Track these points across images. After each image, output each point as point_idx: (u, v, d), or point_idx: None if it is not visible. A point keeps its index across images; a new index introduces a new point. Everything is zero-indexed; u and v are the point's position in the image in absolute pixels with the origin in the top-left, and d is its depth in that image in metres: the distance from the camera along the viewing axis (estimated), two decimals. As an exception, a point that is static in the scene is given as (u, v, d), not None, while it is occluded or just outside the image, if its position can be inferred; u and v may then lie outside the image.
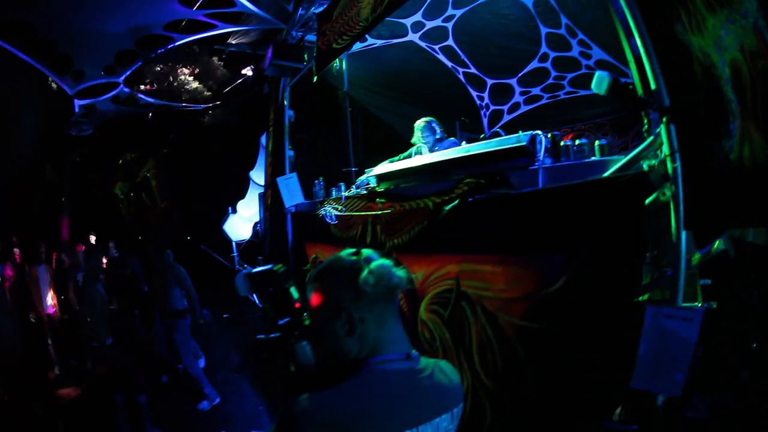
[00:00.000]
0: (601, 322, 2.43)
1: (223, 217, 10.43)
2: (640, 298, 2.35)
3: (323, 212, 4.64)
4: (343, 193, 4.62)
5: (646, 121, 2.51)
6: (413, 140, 5.06)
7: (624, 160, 2.50)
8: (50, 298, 7.67)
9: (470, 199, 3.08)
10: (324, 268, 1.51)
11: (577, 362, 2.54)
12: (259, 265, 2.01)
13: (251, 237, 9.78)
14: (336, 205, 4.51)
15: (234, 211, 10.07)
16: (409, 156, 4.92)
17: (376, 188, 4.11)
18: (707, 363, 2.97)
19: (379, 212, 3.84)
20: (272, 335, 1.68)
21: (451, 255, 3.25)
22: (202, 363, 6.90)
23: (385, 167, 4.07)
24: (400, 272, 1.44)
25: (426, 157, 3.83)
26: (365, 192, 4.21)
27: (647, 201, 2.30)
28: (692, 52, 2.14)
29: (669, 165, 2.24)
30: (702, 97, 2.12)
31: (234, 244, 10.57)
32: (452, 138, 5.22)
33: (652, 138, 2.38)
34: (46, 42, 6.18)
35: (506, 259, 2.91)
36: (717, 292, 2.30)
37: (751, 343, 3.11)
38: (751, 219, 2.17)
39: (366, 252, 1.48)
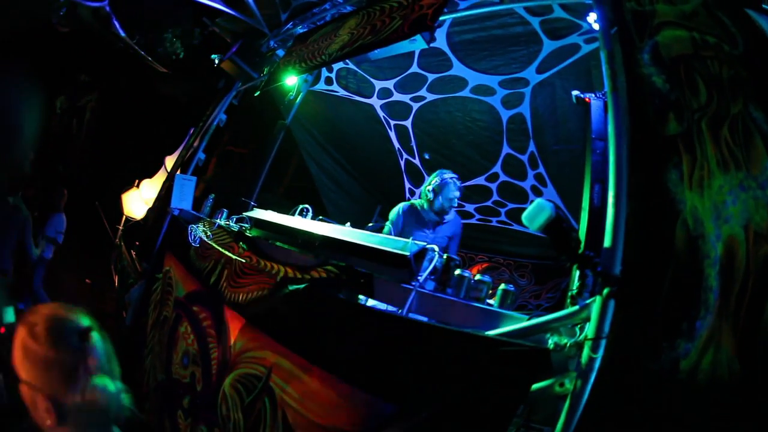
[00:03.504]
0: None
1: (127, 186, 9.68)
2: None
3: (191, 230, 4.06)
4: (218, 220, 4.07)
5: (578, 283, 1.86)
6: (423, 190, 4.36)
7: (526, 323, 1.93)
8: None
9: (320, 289, 2.59)
10: (45, 326, 1.24)
11: None
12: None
13: (141, 219, 9.07)
14: (206, 229, 3.94)
15: (138, 186, 9.36)
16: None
17: (247, 231, 3.58)
18: None
19: (235, 257, 3.30)
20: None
21: (273, 340, 2.72)
22: None
23: (265, 214, 3.57)
24: (122, 397, 1.26)
25: (305, 223, 3.35)
26: (235, 230, 3.67)
27: (535, 386, 1.68)
28: (680, 213, 1.64)
29: (586, 352, 1.62)
30: (672, 276, 1.59)
31: (124, 217, 9.75)
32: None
33: (576, 308, 1.77)
34: None
35: (327, 377, 2.38)
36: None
37: None
38: None
39: (93, 342, 1.26)
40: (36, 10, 8.39)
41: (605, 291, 1.67)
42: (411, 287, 2.49)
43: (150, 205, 8.55)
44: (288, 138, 6.39)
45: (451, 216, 4.29)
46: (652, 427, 1.51)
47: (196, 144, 6.02)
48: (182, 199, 5.42)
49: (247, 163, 7.64)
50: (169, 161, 8.65)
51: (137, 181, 9.65)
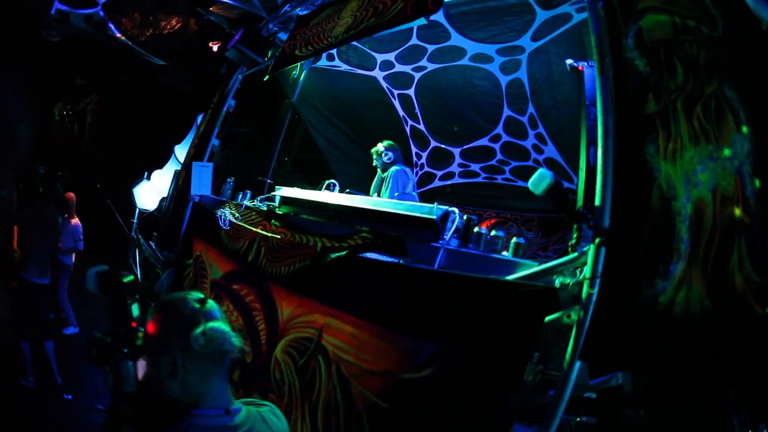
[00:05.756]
0: (459, 425, 2.21)
1: (137, 180, 9.82)
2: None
3: (220, 213, 4.31)
4: (245, 202, 4.32)
5: (576, 235, 2.24)
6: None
7: (536, 268, 2.29)
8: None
9: (359, 255, 2.87)
10: (167, 302, 1.59)
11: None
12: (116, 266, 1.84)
13: (155, 210, 9.22)
14: (234, 211, 4.19)
15: (148, 178, 9.49)
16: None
17: (277, 209, 3.84)
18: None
19: (269, 234, 3.56)
20: (106, 337, 1.60)
21: (321, 304, 3.01)
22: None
23: (292, 191, 3.82)
24: (234, 340, 1.51)
25: (333, 196, 3.60)
26: (265, 209, 3.93)
27: (548, 318, 2.08)
28: (656, 179, 1.96)
29: (585, 289, 2.01)
30: (649, 229, 1.93)
31: (137, 210, 9.92)
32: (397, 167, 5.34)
33: (575, 255, 2.15)
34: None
35: (375, 329, 2.69)
36: (600, 407, 2.16)
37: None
38: (661, 368, 1.91)
39: (210, 306, 1.54)
40: (24, 20, 8.33)
41: (597, 240, 2.05)
42: (439, 245, 2.79)
43: (165, 194, 8.75)
44: (292, 112, 6.60)
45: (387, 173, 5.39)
46: (638, 347, 1.90)
47: (207, 130, 6.18)
48: (201, 186, 5.60)
49: (254, 142, 7.77)
50: (179, 150, 8.80)
51: (146, 173, 9.80)
